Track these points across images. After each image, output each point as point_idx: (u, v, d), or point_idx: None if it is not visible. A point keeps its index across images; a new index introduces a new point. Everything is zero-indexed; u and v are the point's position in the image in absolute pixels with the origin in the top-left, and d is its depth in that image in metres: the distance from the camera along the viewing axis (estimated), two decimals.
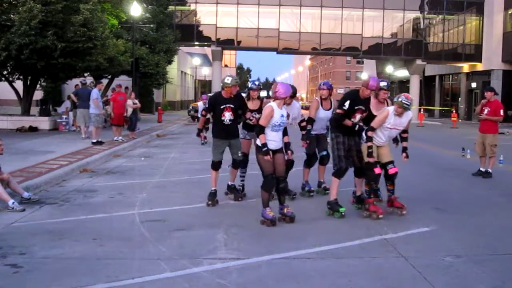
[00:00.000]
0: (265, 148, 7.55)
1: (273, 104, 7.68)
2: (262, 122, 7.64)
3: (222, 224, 7.48)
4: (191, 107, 38.35)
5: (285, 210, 7.78)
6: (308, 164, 10.08)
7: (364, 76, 72.40)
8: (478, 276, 5.63)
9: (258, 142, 7.68)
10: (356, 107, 8.37)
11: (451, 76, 53.01)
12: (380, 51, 47.59)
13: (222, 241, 6.74)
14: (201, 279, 5.42)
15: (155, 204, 8.96)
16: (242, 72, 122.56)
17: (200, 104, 24.31)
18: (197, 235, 7.02)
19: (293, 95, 8.98)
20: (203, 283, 5.34)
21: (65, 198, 9.39)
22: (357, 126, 8.39)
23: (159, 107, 36.34)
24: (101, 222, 7.71)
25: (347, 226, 7.59)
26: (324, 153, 9.82)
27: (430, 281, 5.41)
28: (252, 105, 9.32)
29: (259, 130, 7.65)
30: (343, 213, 8.08)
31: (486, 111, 12.78)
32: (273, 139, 7.72)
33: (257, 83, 9.57)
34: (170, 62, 38.55)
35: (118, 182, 11.22)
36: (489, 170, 12.69)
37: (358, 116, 8.42)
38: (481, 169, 12.81)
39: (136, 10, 27.53)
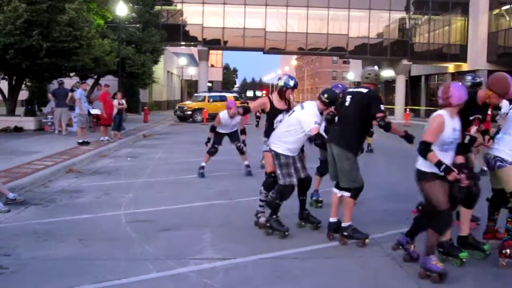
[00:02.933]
0: (444, 166, 5.37)
1: (443, 112, 5.56)
2: (428, 138, 5.44)
3: (209, 225, 7.47)
4: (177, 107, 38.25)
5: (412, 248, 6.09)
6: (321, 171, 8.95)
7: (350, 76, 72.67)
8: (463, 275, 5.68)
9: (420, 164, 5.63)
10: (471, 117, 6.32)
11: (436, 76, 53.27)
12: (366, 51, 47.75)
13: (208, 241, 6.73)
14: (188, 280, 5.41)
15: (141, 204, 8.93)
16: (229, 72, 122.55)
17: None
18: (184, 236, 7.00)
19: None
20: (189, 283, 5.33)
21: (50, 199, 9.34)
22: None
23: (145, 107, 36.22)
24: (87, 223, 7.68)
25: None
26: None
27: (416, 280, 5.43)
28: (279, 104, 7.83)
29: (425, 148, 5.44)
30: (463, 260, 5.94)
31: None
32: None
33: (293, 80, 7.86)
34: (156, 62, 38.42)
35: (104, 182, 11.17)
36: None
37: (473, 129, 6.37)
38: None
39: (122, 10, 27.38)
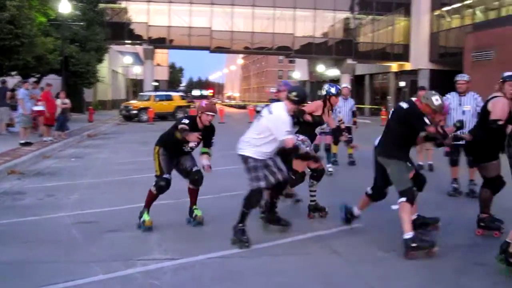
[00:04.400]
0: None
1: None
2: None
3: (156, 225, 7.39)
4: (123, 107, 37.81)
5: None
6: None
7: (296, 75, 73.18)
8: (408, 269, 5.79)
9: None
10: None
11: (380, 75, 54.27)
12: (311, 50, 48.28)
13: (155, 242, 6.68)
14: (135, 281, 5.36)
15: (86, 205, 8.79)
16: (175, 71, 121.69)
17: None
18: (131, 236, 6.93)
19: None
20: (137, 284, 5.28)
21: None
22: None
23: (90, 107, 35.66)
24: (31, 225, 7.52)
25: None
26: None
27: (363, 275, 5.53)
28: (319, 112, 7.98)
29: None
30: None
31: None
32: None
33: (334, 88, 8.00)
34: (100, 60, 37.93)
35: (48, 183, 10.95)
36: (430, 162, 13.39)
37: None
38: (420, 163, 13.27)
39: (65, 7, 26.89)
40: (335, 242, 6.63)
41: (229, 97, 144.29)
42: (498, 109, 6.68)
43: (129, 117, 35.84)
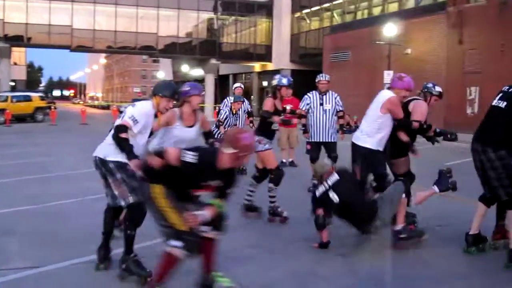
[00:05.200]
0: None
1: None
2: None
3: (14, 232, 7.03)
4: None
5: None
6: None
7: (160, 74, 72.71)
8: (275, 264, 5.95)
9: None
10: None
11: (244, 75, 55.23)
12: (175, 50, 48.14)
13: (15, 251, 6.34)
14: None
15: None
16: (33, 71, 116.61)
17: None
18: None
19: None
20: None
21: None
22: None
23: None
24: None
25: (148, 225, 7.49)
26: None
27: (230, 272, 5.58)
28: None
29: None
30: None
31: (289, 107, 13.83)
32: None
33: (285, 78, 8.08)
34: None
35: None
36: (292, 159, 14.02)
37: None
38: (283, 160, 13.76)
39: None
40: None
41: (92, 98, 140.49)
42: (419, 111, 6.97)
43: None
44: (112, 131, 5.43)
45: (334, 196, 6.34)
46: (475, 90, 26.99)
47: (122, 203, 5.43)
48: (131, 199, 5.37)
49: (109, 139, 5.52)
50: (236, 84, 14.13)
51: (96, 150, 5.60)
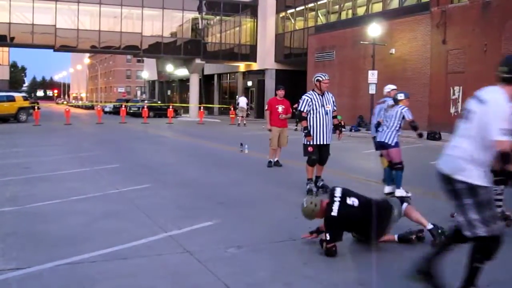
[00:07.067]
0: None
1: None
2: None
3: None
4: None
5: None
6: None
7: (144, 74, 72.50)
8: (259, 264, 5.94)
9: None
10: None
11: (228, 75, 55.27)
12: (160, 50, 47.99)
13: None
14: None
15: None
16: (16, 71, 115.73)
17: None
18: None
19: None
20: None
21: None
22: None
23: None
24: None
25: (132, 226, 7.50)
26: None
27: (214, 272, 5.59)
28: None
29: None
30: None
31: (280, 108, 14.08)
32: None
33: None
34: None
35: None
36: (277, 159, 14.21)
37: None
38: (271, 159, 13.91)
39: None
40: (187, 242, 6.65)
41: (76, 98, 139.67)
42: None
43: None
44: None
45: (353, 201, 6.37)
46: (458, 89, 27.18)
47: (468, 234, 4.47)
48: (480, 232, 4.35)
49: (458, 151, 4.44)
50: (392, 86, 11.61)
51: (441, 160, 4.65)
